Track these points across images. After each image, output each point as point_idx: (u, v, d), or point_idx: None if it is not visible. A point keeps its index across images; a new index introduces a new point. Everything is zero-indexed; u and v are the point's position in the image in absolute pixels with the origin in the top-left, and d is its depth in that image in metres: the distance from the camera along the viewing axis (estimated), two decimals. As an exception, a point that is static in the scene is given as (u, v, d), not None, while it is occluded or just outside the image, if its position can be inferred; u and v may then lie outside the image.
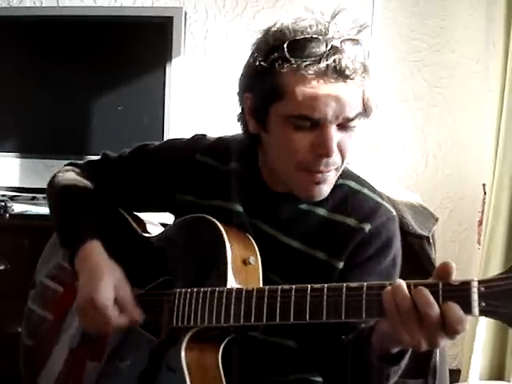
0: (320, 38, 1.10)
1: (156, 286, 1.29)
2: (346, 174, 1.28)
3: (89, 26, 2.49)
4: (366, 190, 1.28)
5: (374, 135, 2.67)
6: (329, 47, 1.09)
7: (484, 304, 0.91)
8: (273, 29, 1.16)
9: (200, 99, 2.70)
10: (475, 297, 0.91)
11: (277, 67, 1.12)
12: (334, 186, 1.24)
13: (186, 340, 1.17)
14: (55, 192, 1.43)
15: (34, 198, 2.41)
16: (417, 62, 2.68)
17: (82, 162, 1.49)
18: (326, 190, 1.20)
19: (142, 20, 2.47)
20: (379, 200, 1.28)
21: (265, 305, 1.08)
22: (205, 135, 1.41)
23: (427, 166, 2.72)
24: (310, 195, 1.20)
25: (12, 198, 2.40)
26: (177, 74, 2.41)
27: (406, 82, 2.69)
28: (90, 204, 1.39)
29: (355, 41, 1.12)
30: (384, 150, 2.69)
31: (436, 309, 0.93)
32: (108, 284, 1.22)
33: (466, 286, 0.92)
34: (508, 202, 2.46)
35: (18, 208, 2.32)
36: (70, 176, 1.44)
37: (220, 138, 1.39)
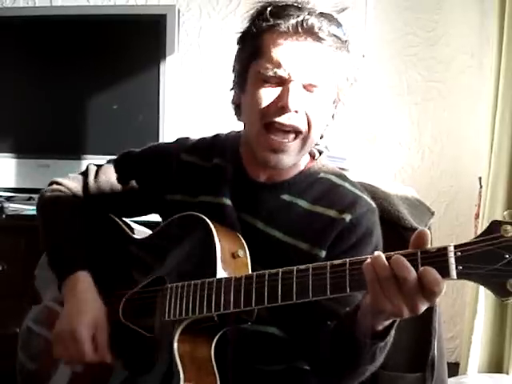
0: (299, 5, 1.23)
1: (149, 284, 1.30)
2: (328, 170, 1.35)
3: (82, 25, 2.48)
4: (346, 184, 1.34)
5: (370, 130, 2.67)
6: (304, 12, 1.21)
7: (461, 267, 0.95)
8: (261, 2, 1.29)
9: (195, 96, 2.70)
10: (452, 261, 0.95)
11: (258, 29, 1.25)
12: (315, 179, 1.31)
13: (178, 332, 1.19)
14: (43, 213, 1.45)
15: (30, 199, 2.40)
16: (411, 57, 2.68)
17: (67, 176, 1.49)
18: (285, 160, 1.26)
19: (135, 18, 2.46)
20: (359, 193, 1.33)
21: (253, 289, 1.12)
22: (188, 137, 1.46)
23: (423, 161, 2.72)
24: (268, 160, 1.25)
25: (8, 199, 2.40)
26: (171, 71, 2.40)
27: (400, 76, 2.69)
28: (78, 224, 1.39)
29: (329, 15, 1.23)
30: (380, 144, 2.69)
31: (413, 273, 0.96)
32: (90, 320, 1.26)
33: (443, 251, 0.96)
34: (504, 195, 2.46)
35: (14, 208, 2.32)
36: (56, 195, 1.44)
37: (202, 138, 1.44)
